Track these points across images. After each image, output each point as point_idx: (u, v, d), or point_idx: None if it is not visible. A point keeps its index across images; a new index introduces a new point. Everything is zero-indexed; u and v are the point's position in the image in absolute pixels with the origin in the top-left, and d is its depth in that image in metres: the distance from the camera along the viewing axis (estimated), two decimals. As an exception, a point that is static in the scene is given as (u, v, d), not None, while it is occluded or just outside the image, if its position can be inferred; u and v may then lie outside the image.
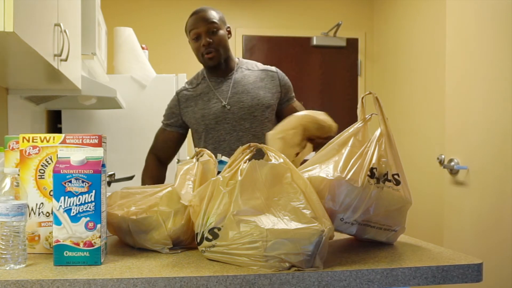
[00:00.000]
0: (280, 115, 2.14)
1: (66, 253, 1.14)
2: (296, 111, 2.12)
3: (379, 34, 4.57)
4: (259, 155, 1.32)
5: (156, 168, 2.21)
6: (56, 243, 1.14)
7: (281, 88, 2.14)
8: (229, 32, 2.14)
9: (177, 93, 2.19)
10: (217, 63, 2.09)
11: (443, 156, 2.64)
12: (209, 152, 1.39)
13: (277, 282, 1.08)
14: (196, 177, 1.31)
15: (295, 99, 2.21)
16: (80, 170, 1.14)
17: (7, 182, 1.15)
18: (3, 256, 1.11)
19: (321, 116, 1.62)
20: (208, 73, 2.17)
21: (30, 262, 1.16)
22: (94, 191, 1.14)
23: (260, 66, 2.19)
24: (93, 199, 1.14)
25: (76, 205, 1.14)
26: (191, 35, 2.09)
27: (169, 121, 2.19)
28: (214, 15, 2.07)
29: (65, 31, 1.72)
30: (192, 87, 2.17)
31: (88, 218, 1.14)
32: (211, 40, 2.04)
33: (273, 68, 2.18)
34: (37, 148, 1.23)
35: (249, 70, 2.16)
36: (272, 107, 2.11)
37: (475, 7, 2.34)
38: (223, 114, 2.07)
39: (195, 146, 2.18)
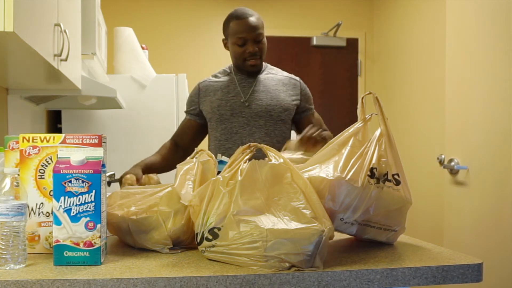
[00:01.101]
0: (298, 125, 2.18)
1: (66, 253, 1.14)
2: (312, 123, 2.12)
3: (379, 34, 4.57)
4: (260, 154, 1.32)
5: (167, 148, 2.18)
6: (56, 243, 1.14)
7: (301, 96, 2.17)
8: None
9: (199, 83, 2.22)
10: (258, 70, 2.14)
11: (443, 156, 2.63)
12: (209, 152, 1.39)
13: (277, 282, 1.08)
14: (196, 177, 1.31)
15: (314, 111, 2.23)
16: (80, 170, 1.14)
17: (7, 182, 1.15)
18: (3, 256, 1.11)
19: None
20: (236, 70, 2.18)
21: (30, 262, 1.16)
22: (94, 191, 1.14)
23: (285, 73, 2.25)
24: (93, 199, 1.14)
25: (76, 205, 1.14)
26: (234, 39, 2.08)
27: (188, 109, 2.22)
28: (260, 22, 2.09)
29: (65, 31, 1.72)
30: (216, 79, 2.20)
31: (88, 218, 1.14)
32: (257, 49, 2.08)
33: (297, 78, 2.24)
34: (37, 148, 1.23)
35: (273, 74, 2.21)
36: (290, 111, 2.13)
37: (475, 7, 2.34)
38: (239, 108, 2.10)
39: (209, 139, 2.19)
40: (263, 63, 2.22)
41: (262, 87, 2.13)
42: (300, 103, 2.16)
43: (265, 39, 2.12)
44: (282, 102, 2.11)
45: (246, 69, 2.12)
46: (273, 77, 2.18)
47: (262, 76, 2.17)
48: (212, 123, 2.15)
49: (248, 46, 2.07)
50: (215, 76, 2.22)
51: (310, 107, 2.20)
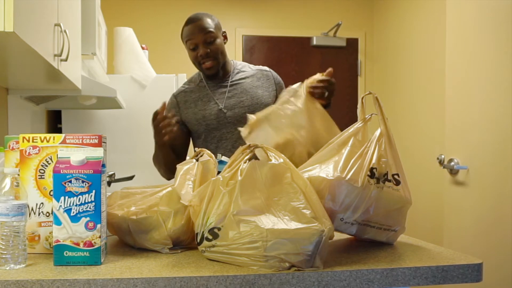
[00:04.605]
0: None
1: (66, 253, 1.14)
2: None
3: (379, 34, 4.57)
4: None
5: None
6: (56, 243, 1.14)
7: (276, 86, 2.20)
8: (225, 38, 2.17)
9: (175, 96, 2.20)
10: (215, 72, 2.12)
11: (443, 156, 2.63)
12: (209, 152, 1.39)
13: (277, 282, 1.08)
14: (196, 177, 1.31)
15: None
16: (80, 170, 1.14)
17: (7, 182, 1.15)
18: (3, 256, 1.11)
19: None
20: (206, 77, 2.20)
21: (30, 262, 1.16)
22: (94, 191, 1.14)
23: (254, 66, 2.25)
24: (93, 199, 1.14)
25: (76, 205, 1.14)
26: (187, 45, 2.10)
27: None
28: (210, 23, 2.08)
29: (65, 31, 1.72)
30: (190, 88, 2.19)
31: (88, 218, 1.14)
32: (208, 50, 2.06)
33: (266, 68, 2.25)
34: (37, 148, 1.23)
35: (245, 72, 2.22)
36: (271, 105, 2.15)
37: (475, 7, 2.34)
38: (223, 115, 2.11)
39: (194, 146, 2.18)
40: (232, 61, 2.23)
41: (239, 89, 2.14)
42: (276, 93, 2.18)
43: (219, 40, 2.09)
44: (261, 99, 2.13)
45: (203, 72, 2.13)
46: (246, 75, 2.19)
47: (235, 78, 2.18)
48: (199, 133, 2.14)
49: (199, 49, 2.07)
50: (189, 83, 2.22)
51: None
